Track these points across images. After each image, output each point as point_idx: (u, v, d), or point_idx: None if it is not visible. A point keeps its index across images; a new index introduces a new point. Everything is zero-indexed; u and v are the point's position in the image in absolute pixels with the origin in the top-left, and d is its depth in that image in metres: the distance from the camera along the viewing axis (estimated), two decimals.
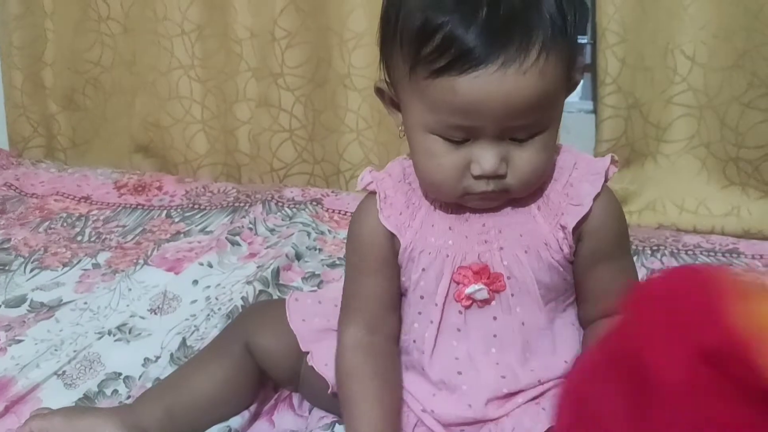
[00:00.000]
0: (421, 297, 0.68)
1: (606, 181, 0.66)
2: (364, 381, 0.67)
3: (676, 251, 1.14)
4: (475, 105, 0.57)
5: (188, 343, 0.93)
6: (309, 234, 1.17)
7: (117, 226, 1.27)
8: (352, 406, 0.66)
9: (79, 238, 1.23)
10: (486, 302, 0.66)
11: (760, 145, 1.20)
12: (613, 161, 0.66)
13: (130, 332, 0.96)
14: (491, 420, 0.65)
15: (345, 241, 1.21)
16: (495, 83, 0.56)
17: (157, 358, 0.91)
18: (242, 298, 0.97)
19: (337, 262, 1.12)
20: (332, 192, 1.34)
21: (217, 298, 1.02)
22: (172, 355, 0.91)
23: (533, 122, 0.59)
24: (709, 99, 1.22)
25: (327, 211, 1.27)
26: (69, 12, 1.50)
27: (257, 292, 0.99)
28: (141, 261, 1.14)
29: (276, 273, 1.05)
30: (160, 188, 1.38)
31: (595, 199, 0.65)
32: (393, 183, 0.69)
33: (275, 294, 1.03)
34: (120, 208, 1.32)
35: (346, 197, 1.32)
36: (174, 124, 1.47)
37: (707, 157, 1.24)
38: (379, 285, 0.69)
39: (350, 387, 0.67)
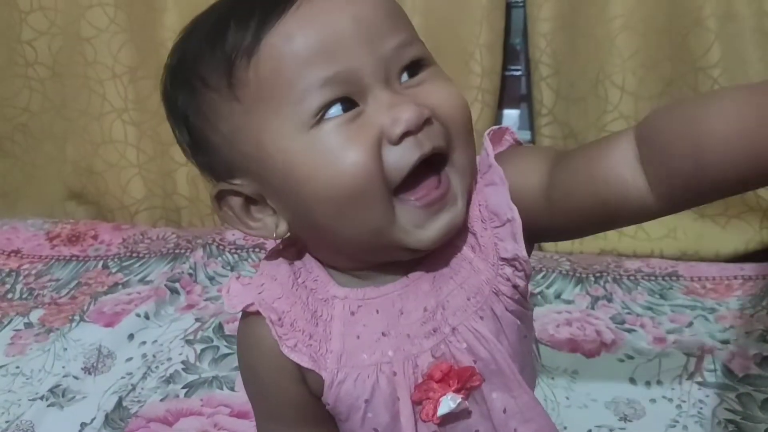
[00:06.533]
0: (375, 430, 0.50)
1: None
2: None
3: (618, 277, 1.16)
4: (322, 30, 0.43)
5: (124, 403, 0.89)
6: None
7: (50, 281, 1.22)
8: None
9: (9, 295, 1.18)
10: (464, 410, 0.49)
11: None
12: (492, 135, 0.48)
13: (63, 395, 0.92)
14: None
15: None
16: (319, 2, 0.44)
17: (93, 420, 0.87)
18: (183, 362, 0.94)
19: None
20: None
21: (154, 356, 0.99)
22: (107, 416, 0.88)
23: (405, 38, 0.45)
24: None
25: None
26: None
27: (199, 352, 0.97)
28: (77, 317, 1.09)
29: (219, 327, 1.03)
30: (95, 237, 1.33)
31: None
32: (285, 291, 0.49)
33: (222, 345, 1.01)
34: (53, 260, 1.27)
35: None
36: (108, 169, 1.43)
37: None
38: None
39: None
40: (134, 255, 1.28)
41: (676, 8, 1.19)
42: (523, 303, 0.50)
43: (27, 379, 0.97)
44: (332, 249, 0.48)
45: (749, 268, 1.15)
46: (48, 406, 0.90)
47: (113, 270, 1.23)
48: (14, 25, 1.41)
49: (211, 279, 1.18)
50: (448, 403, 0.47)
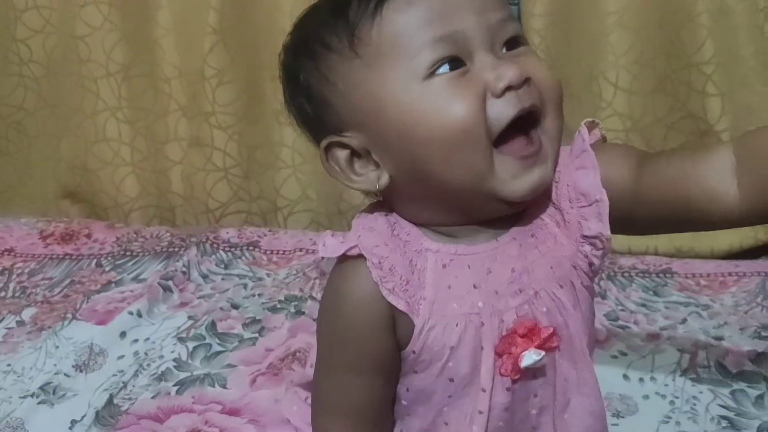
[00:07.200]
0: (451, 380, 0.52)
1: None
2: None
3: (612, 274, 1.16)
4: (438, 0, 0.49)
5: (115, 401, 0.89)
6: (246, 285, 1.15)
7: (43, 279, 1.21)
8: None
9: (2, 294, 1.17)
10: (541, 368, 0.52)
11: None
12: (590, 126, 0.54)
13: (54, 393, 0.92)
14: None
15: (286, 281, 1.24)
16: None
17: (83, 417, 0.87)
18: (175, 359, 0.94)
19: (278, 306, 1.10)
20: (269, 231, 1.32)
21: (146, 354, 0.98)
22: (97, 413, 0.88)
23: (508, 15, 0.51)
24: (634, 122, 1.25)
25: (265, 253, 1.25)
26: None
27: (191, 350, 0.97)
28: (69, 315, 1.09)
29: (212, 325, 1.03)
30: (89, 236, 1.33)
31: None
32: (383, 239, 0.52)
33: (214, 342, 1.01)
34: (46, 259, 1.27)
35: (284, 236, 1.30)
36: (102, 167, 1.43)
37: None
38: (379, 388, 0.53)
39: None
40: (128, 253, 1.27)
41: (669, 4, 1.18)
42: (594, 272, 0.54)
43: (18, 376, 0.97)
44: (432, 200, 0.52)
45: (744, 265, 1.15)
46: (38, 403, 0.90)
47: (107, 268, 1.23)
48: (9, 24, 1.41)
49: (204, 277, 1.18)
50: (532, 356, 0.51)
